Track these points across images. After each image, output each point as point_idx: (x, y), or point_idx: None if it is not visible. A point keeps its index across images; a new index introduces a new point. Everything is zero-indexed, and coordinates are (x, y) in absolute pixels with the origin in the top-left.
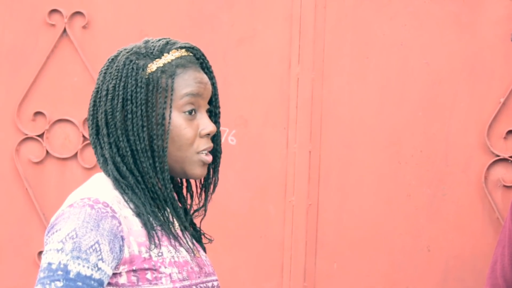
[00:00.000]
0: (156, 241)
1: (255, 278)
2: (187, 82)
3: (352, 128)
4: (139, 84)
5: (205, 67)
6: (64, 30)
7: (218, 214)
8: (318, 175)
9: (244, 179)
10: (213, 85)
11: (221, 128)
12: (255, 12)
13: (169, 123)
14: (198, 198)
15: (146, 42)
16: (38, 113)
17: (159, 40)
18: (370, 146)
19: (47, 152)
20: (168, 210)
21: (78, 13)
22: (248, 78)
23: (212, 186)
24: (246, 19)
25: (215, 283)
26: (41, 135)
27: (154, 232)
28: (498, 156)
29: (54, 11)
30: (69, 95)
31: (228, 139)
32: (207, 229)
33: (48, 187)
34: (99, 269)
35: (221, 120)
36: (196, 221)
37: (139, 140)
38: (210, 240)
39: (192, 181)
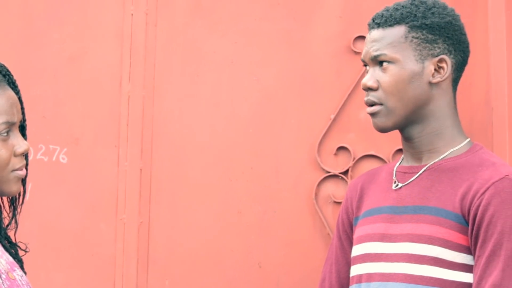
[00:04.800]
0: None
1: None
2: (1, 107)
3: (183, 145)
4: None
5: (11, 82)
6: None
7: (50, 232)
8: (149, 193)
9: (75, 197)
10: (20, 99)
11: (52, 146)
12: (86, 30)
13: None
14: (10, 210)
15: None
16: None
17: None
18: (201, 163)
19: None
20: None
21: None
22: (79, 96)
23: (21, 198)
24: (77, 37)
25: None
26: None
27: None
28: (329, 172)
29: None
30: None
31: (59, 157)
32: (38, 247)
33: None
34: None
35: (52, 138)
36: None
37: None
38: (26, 251)
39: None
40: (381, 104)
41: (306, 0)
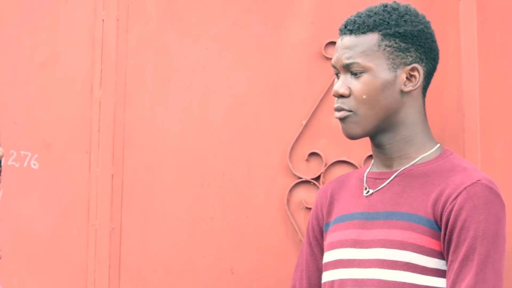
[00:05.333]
0: None
1: None
2: None
3: (154, 151)
4: None
5: None
6: None
7: (21, 239)
8: (121, 199)
9: (47, 203)
10: None
11: (24, 152)
12: (57, 36)
13: None
14: None
15: None
16: None
17: None
18: (173, 169)
19: None
20: None
21: None
22: (50, 102)
23: None
24: (48, 43)
25: None
26: None
27: None
28: (301, 178)
29: None
30: None
31: (30, 163)
32: (10, 254)
33: None
34: None
35: (24, 144)
36: None
37: None
38: None
39: None
40: (350, 111)
41: (277, 6)
